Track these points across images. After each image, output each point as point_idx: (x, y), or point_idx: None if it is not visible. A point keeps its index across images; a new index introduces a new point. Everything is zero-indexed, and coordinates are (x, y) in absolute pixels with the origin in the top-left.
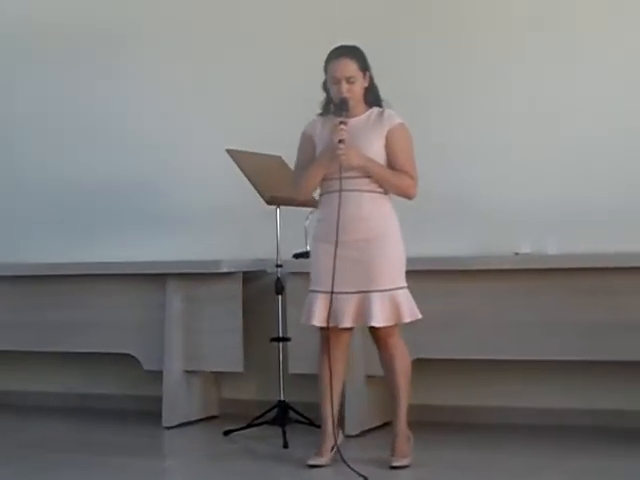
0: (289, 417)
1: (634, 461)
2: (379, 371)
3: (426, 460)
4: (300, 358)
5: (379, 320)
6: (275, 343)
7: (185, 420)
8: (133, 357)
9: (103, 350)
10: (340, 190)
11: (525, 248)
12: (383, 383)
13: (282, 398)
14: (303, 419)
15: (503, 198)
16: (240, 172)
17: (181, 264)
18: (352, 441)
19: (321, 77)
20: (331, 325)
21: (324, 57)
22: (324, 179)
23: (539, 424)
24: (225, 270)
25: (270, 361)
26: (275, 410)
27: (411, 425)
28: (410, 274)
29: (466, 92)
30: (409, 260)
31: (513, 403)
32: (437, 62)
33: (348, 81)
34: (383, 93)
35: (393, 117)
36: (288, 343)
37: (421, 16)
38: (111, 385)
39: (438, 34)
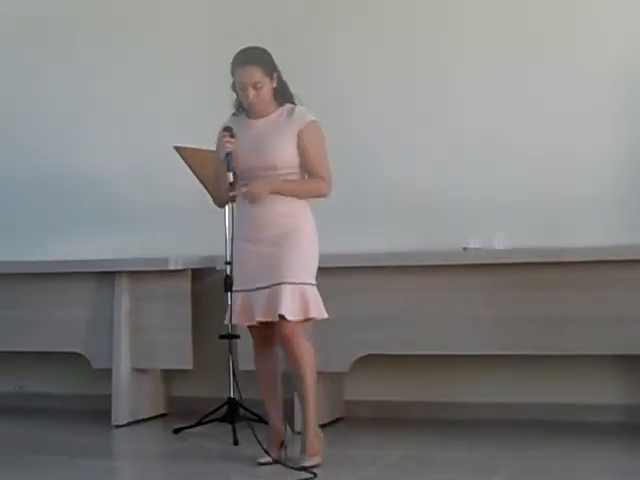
0: (239, 414)
1: (585, 454)
2: (326, 367)
3: (377, 456)
4: (250, 355)
5: (288, 311)
6: (225, 340)
7: (134, 418)
8: (82, 356)
9: (51, 349)
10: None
11: (473, 243)
12: (331, 379)
13: (232, 395)
14: (253, 416)
15: (451, 194)
16: (188, 168)
17: (129, 262)
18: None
19: None
20: (246, 323)
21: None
22: (240, 178)
23: (489, 419)
24: (173, 267)
25: (219, 358)
26: (225, 407)
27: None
28: (358, 270)
29: (414, 85)
30: (357, 256)
31: (463, 398)
32: (379, 60)
33: (254, 87)
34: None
35: (304, 115)
36: (237, 340)
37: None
38: (60, 384)
39: (378, 33)
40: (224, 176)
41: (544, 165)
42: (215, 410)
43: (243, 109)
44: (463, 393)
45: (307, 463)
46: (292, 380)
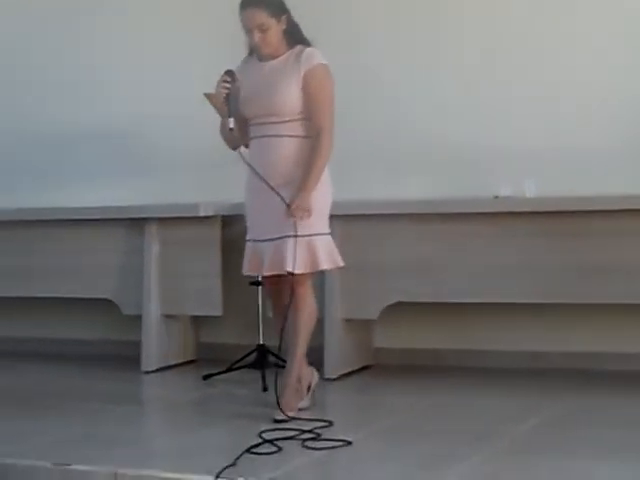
0: (268, 360)
1: (615, 403)
2: (357, 314)
3: (406, 404)
4: None
5: (293, 265)
6: (254, 287)
7: (164, 365)
8: (112, 302)
9: (82, 295)
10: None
11: (505, 191)
12: (361, 326)
13: (261, 342)
14: (282, 362)
15: (483, 142)
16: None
17: (159, 208)
18: (331, 384)
19: None
20: (255, 273)
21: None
22: (248, 124)
23: (520, 367)
24: (204, 214)
25: (249, 305)
26: (254, 354)
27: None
28: (388, 217)
29: (447, 38)
30: (387, 204)
31: (493, 347)
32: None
33: (260, 29)
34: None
35: (312, 57)
36: None
37: None
38: (90, 330)
39: None
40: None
41: (577, 111)
42: (244, 357)
43: (253, 52)
44: (494, 341)
45: (279, 417)
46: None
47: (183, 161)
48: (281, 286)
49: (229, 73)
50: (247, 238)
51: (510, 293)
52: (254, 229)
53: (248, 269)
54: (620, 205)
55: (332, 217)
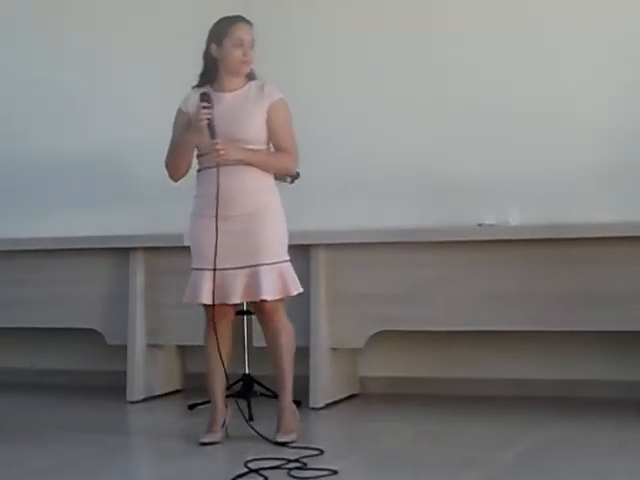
0: (254, 390)
1: (601, 430)
2: (342, 343)
3: (392, 432)
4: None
5: (269, 293)
6: (240, 316)
7: (150, 394)
8: (97, 332)
9: (66, 325)
10: (218, 181)
11: (489, 219)
12: (347, 355)
13: (247, 371)
14: (267, 392)
15: (467, 170)
16: None
17: (144, 238)
18: (317, 413)
19: None
20: (218, 302)
21: None
22: (201, 155)
23: (505, 395)
24: (188, 243)
25: (234, 334)
26: (240, 383)
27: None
28: (374, 246)
29: (430, 60)
30: (373, 232)
31: (478, 374)
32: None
33: (250, 46)
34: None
35: (274, 92)
36: (252, 316)
37: None
38: (75, 360)
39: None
40: (194, 146)
41: (560, 139)
42: (230, 386)
43: (207, 83)
44: (479, 369)
45: (281, 439)
46: (271, 356)
47: (168, 190)
48: (227, 311)
49: (206, 96)
50: (203, 267)
51: (495, 321)
52: (216, 258)
53: (210, 298)
54: (604, 232)
55: (318, 246)
